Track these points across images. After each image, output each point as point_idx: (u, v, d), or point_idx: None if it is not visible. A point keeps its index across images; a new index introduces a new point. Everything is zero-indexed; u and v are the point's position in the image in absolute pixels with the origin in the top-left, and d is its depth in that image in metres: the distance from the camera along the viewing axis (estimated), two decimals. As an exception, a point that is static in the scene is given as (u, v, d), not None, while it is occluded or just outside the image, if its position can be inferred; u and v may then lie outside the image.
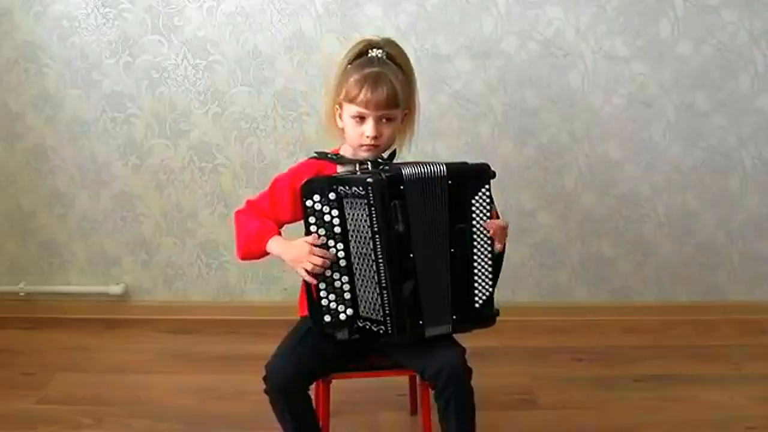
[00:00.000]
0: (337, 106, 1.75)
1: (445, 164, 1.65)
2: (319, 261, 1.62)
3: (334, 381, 1.80)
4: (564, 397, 2.31)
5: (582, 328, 2.74)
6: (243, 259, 1.76)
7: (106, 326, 2.74)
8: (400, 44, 1.79)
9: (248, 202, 1.78)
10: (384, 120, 1.70)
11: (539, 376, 2.42)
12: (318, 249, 1.63)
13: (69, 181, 2.70)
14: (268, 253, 1.72)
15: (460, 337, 1.72)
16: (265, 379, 1.67)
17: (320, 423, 1.77)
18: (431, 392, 1.71)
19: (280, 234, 1.72)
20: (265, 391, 1.67)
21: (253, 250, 1.73)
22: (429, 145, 2.62)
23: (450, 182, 1.64)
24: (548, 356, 2.55)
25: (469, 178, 1.67)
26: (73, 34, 2.55)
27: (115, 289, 2.77)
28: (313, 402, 1.76)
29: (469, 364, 1.68)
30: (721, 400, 2.30)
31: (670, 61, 2.59)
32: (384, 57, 1.73)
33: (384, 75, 1.68)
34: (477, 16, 2.54)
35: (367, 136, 1.70)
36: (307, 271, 1.63)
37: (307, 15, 2.53)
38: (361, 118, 1.70)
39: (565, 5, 2.53)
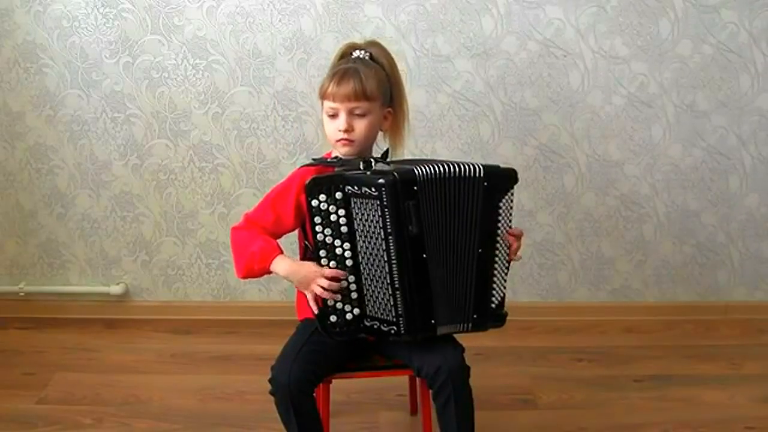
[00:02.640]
0: (321, 106, 1.76)
1: (482, 165, 1.65)
2: (330, 284, 1.62)
3: (334, 381, 1.80)
4: (564, 397, 2.31)
5: (582, 328, 2.74)
6: (244, 278, 1.74)
7: (106, 326, 2.74)
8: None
9: (247, 218, 1.76)
10: (355, 113, 1.69)
11: (539, 376, 2.42)
12: (329, 270, 1.63)
13: (69, 181, 2.70)
14: (270, 272, 1.70)
15: (459, 336, 1.72)
16: (270, 381, 1.67)
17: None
18: (430, 392, 1.71)
19: (282, 252, 1.70)
20: (271, 393, 1.67)
21: (255, 270, 1.71)
22: (429, 145, 2.63)
23: (486, 184, 1.65)
24: (548, 356, 2.56)
25: (501, 181, 1.68)
26: (73, 34, 2.55)
27: (115, 289, 2.77)
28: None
29: (467, 363, 1.68)
30: (721, 400, 2.30)
31: (670, 61, 2.59)
32: (366, 57, 1.74)
33: (354, 69, 1.69)
34: (477, 16, 2.54)
35: (339, 130, 1.69)
36: (316, 294, 1.63)
37: (307, 15, 2.53)
38: (335, 114, 1.70)
39: (565, 5, 2.53)
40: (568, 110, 2.63)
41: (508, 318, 1.74)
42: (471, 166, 1.64)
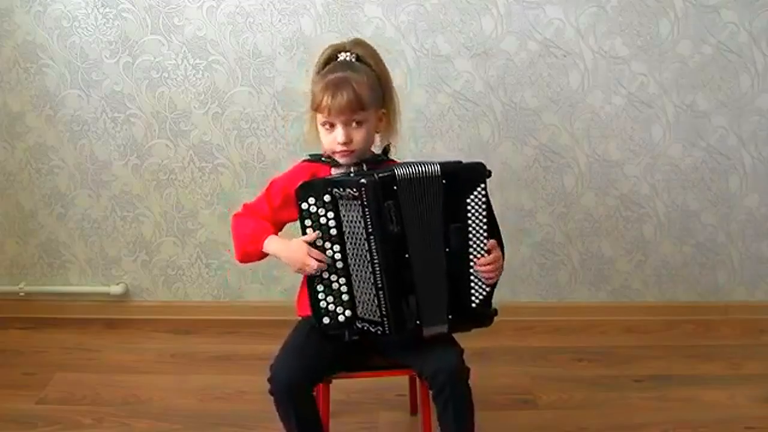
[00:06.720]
0: (313, 115, 1.74)
1: (440, 164, 1.64)
2: (315, 264, 1.63)
3: (334, 381, 1.80)
4: (564, 397, 2.31)
5: (582, 328, 2.74)
6: (242, 261, 1.77)
7: (106, 326, 2.74)
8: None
9: (245, 205, 1.80)
10: (354, 124, 1.68)
11: (539, 376, 2.42)
12: (315, 251, 1.64)
13: (69, 181, 2.70)
14: (266, 254, 1.72)
15: (459, 337, 1.72)
16: (270, 380, 1.67)
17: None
18: (430, 392, 1.71)
19: (276, 234, 1.73)
20: (270, 392, 1.67)
21: (250, 251, 1.74)
22: (429, 145, 2.63)
23: (444, 182, 1.63)
24: (548, 356, 2.55)
25: (463, 178, 1.66)
26: (73, 34, 2.55)
27: (115, 289, 2.77)
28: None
29: (467, 364, 1.68)
30: (721, 400, 2.30)
31: (670, 61, 2.59)
32: (352, 59, 1.71)
33: (346, 79, 1.66)
34: (477, 16, 2.54)
35: (339, 143, 1.68)
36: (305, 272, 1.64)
37: (307, 15, 2.53)
38: (331, 125, 1.69)
39: (565, 5, 2.53)
40: (568, 110, 2.63)
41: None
42: (431, 166, 1.63)
